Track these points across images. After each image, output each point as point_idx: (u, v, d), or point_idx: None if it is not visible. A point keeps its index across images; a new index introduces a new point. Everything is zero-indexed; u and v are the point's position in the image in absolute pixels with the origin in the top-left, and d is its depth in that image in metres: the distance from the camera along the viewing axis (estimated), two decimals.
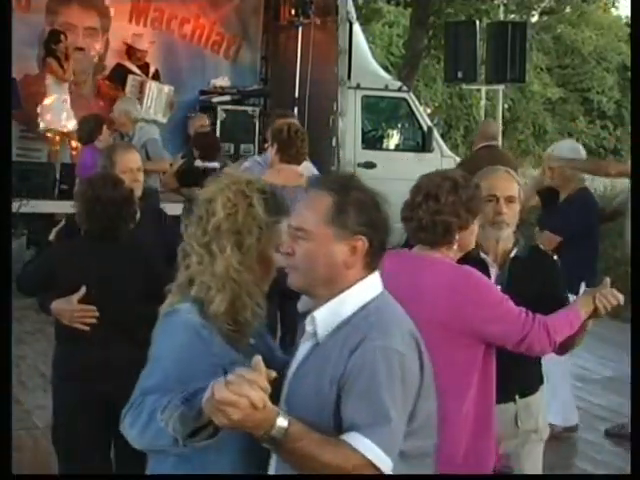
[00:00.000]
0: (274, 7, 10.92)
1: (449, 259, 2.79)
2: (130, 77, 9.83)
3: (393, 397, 1.86)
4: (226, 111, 9.90)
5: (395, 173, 9.05)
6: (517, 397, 3.19)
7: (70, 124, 9.24)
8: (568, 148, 5.93)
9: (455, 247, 2.80)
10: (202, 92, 10.34)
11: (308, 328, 1.99)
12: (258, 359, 1.76)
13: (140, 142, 7.41)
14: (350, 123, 9.56)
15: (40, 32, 9.78)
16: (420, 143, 10.71)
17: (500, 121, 12.42)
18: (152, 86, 9.81)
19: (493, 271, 3.20)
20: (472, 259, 2.98)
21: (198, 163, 7.12)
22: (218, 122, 9.78)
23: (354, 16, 10.06)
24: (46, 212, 8.41)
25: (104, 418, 3.41)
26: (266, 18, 10.96)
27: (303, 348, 2.01)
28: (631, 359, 4.60)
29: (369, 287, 2.00)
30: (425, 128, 10.63)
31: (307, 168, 5.41)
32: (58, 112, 9.17)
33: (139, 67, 10.03)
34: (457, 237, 2.78)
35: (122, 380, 3.18)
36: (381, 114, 11.56)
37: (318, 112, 9.59)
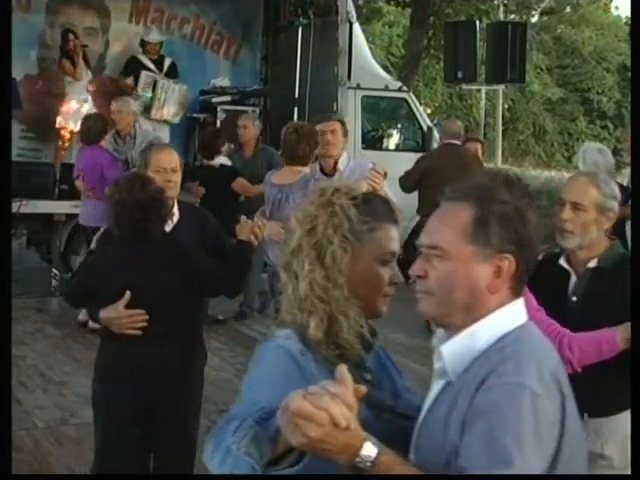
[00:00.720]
0: (274, 7, 10.92)
1: None
2: (143, 74, 9.74)
3: (520, 442, 1.53)
4: (226, 111, 9.89)
5: (395, 173, 9.04)
6: (585, 415, 2.74)
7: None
8: (597, 149, 6.06)
9: None
10: (202, 92, 10.34)
11: (437, 365, 1.73)
12: (343, 369, 1.51)
13: (144, 142, 7.32)
14: (350, 123, 9.53)
15: (40, 32, 9.79)
16: (420, 143, 10.70)
17: (500, 121, 12.43)
18: (165, 85, 9.76)
19: (572, 280, 3.04)
20: (552, 266, 2.90)
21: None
22: (218, 122, 9.77)
23: (354, 16, 10.05)
24: (46, 212, 8.41)
25: (142, 424, 3.46)
26: (266, 18, 10.96)
27: (435, 387, 1.75)
28: (631, 359, 4.60)
29: (512, 316, 1.70)
30: (425, 128, 10.63)
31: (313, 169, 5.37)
32: (77, 112, 9.12)
33: (153, 61, 9.93)
34: None
35: (167, 382, 3.40)
36: (381, 114, 11.56)
37: (318, 112, 9.56)
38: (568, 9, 27.07)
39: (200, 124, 10.21)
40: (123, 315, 3.37)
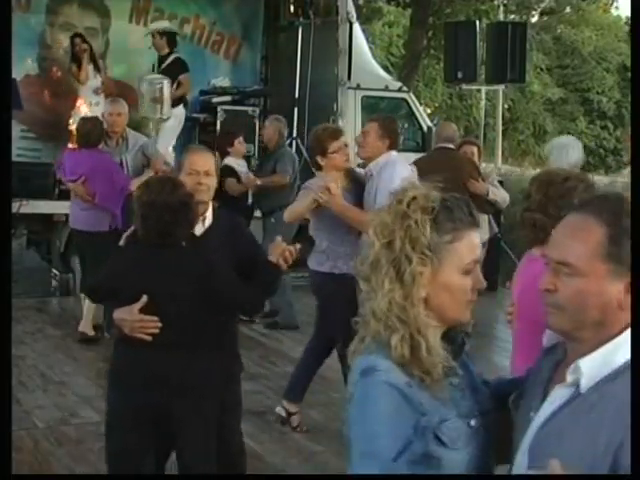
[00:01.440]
0: (274, 7, 10.93)
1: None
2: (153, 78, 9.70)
3: None
4: (226, 111, 9.89)
5: None
6: None
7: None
8: (561, 145, 6.01)
9: None
10: (202, 92, 10.35)
11: (569, 377, 1.68)
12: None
13: (137, 145, 7.22)
14: (350, 123, 9.55)
15: (40, 32, 9.80)
16: (420, 143, 10.70)
17: (500, 121, 12.43)
18: (164, 84, 9.67)
19: None
20: None
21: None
22: (218, 122, 9.77)
23: (354, 16, 10.05)
24: (46, 212, 8.41)
25: (155, 431, 3.38)
26: (266, 18, 10.97)
27: (558, 395, 1.70)
28: (631, 359, 4.60)
29: None
30: (425, 128, 10.63)
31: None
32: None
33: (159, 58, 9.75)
34: None
35: (179, 391, 3.31)
36: (381, 114, 11.55)
37: (318, 112, 9.59)
38: (568, 9, 27.05)
39: (200, 124, 10.21)
40: (135, 319, 3.31)
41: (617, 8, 29.03)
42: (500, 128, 12.45)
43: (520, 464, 1.70)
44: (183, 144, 10.05)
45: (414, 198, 1.80)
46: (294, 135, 9.56)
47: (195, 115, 10.20)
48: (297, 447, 4.99)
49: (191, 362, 3.34)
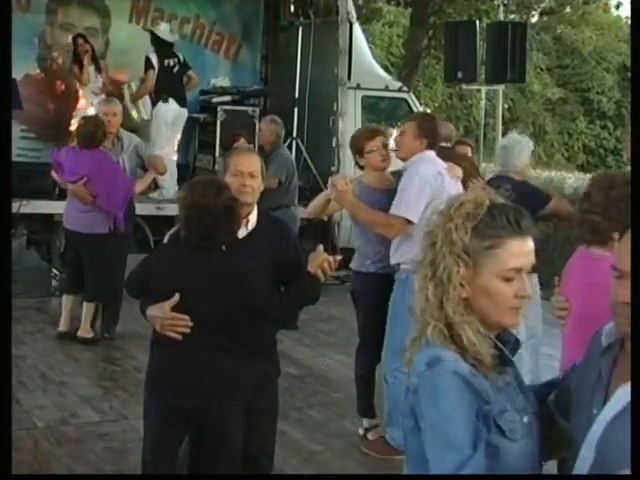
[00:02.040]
0: (274, 7, 10.93)
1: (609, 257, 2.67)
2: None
3: None
4: (226, 111, 9.88)
5: None
6: None
7: None
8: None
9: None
10: (202, 92, 10.35)
11: None
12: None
13: (131, 146, 7.11)
14: (350, 123, 9.54)
15: (40, 32, 9.80)
16: None
17: (500, 121, 12.42)
18: (130, 85, 9.67)
19: None
20: None
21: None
22: (218, 122, 9.76)
23: (354, 16, 10.05)
24: (46, 212, 8.41)
25: (185, 430, 3.39)
26: (266, 18, 10.97)
27: (625, 392, 1.77)
28: (631, 359, 4.59)
29: None
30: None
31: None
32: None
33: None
34: (616, 237, 2.67)
35: (207, 393, 3.30)
36: (381, 114, 11.55)
37: (318, 112, 9.59)
38: (568, 9, 27.04)
39: (200, 124, 10.21)
40: (167, 316, 3.30)
41: (617, 8, 28.90)
42: (500, 128, 12.43)
43: (585, 457, 1.78)
44: (183, 144, 10.11)
45: (462, 203, 1.87)
46: (294, 135, 9.56)
47: (195, 115, 10.20)
48: (297, 447, 4.99)
49: (221, 364, 3.32)
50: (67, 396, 5.70)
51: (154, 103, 9.40)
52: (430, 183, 4.75)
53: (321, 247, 3.55)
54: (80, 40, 9.45)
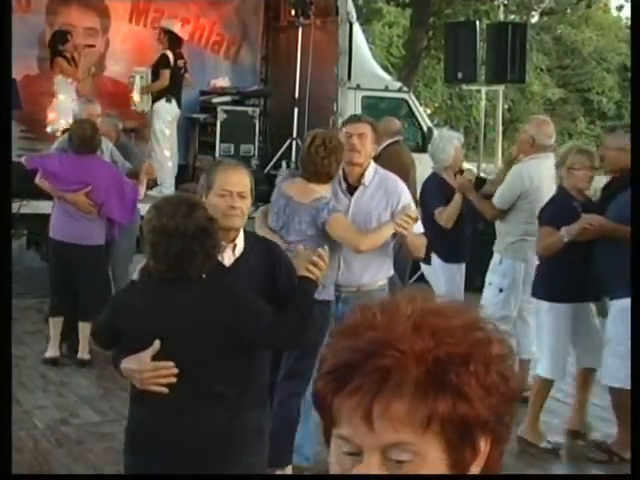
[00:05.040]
0: (274, 7, 10.92)
1: None
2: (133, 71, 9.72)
3: None
4: (226, 111, 9.89)
5: None
6: None
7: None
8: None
9: None
10: (202, 92, 10.35)
11: None
12: None
13: (108, 150, 6.88)
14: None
15: (40, 32, 9.79)
16: (420, 143, 10.70)
17: (500, 121, 12.42)
18: (136, 77, 9.62)
19: None
20: None
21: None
22: (218, 122, 9.77)
23: (354, 16, 10.05)
24: (46, 213, 8.39)
25: None
26: (266, 18, 10.96)
27: None
28: (631, 359, 4.59)
29: None
30: (425, 128, 10.63)
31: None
32: (68, 113, 9.05)
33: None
34: None
35: (200, 455, 2.80)
36: (381, 115, 11.54)
37: (318, 112, 9.58)
38: (568, 10, 27.05)
39: (200, 124, 10.21)
40: (147, 368, 2.80)
41: (620, 10, 28.86)
42: (500, 128, 12.43)
43: None
44: (183, 144, 10.11)
45: None
46: (294, 135, 9.56)
47: (195, 115, 10.21)
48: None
49: (211, 420, 2.85)
50: (67, 396, 5.70)
51: (154, 100, 9.47)
52: None
53: (300, 247, 3.33)
54: (69, 36, 9.42)
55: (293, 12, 10.01)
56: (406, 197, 4.48)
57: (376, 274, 4.51)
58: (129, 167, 6.89)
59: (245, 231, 3.26)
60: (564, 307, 5.05)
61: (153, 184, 9.55)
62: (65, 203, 6.31)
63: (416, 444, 1.00)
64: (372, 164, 4.52)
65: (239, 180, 3.18)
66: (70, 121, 8.93)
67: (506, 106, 25.51)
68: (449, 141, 6.09)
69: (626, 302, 4.64)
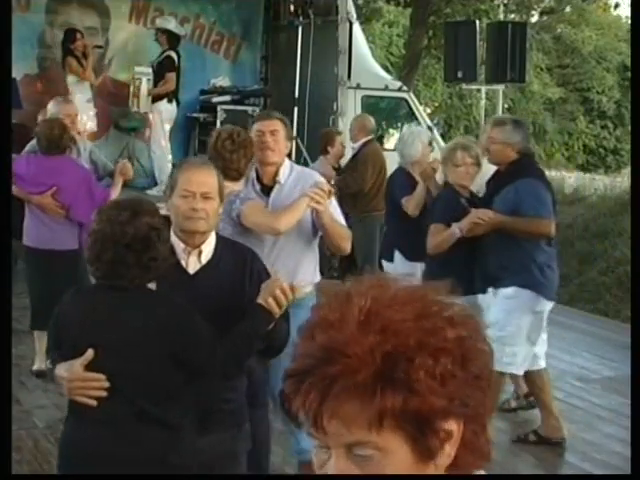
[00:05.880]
0: (274, 7, 10.93)
1: None
2: (136, 72, 9.72)
3: None
4: (226, 111, 9.90)
5: None
6: None
7: (92, 124, 9.24)
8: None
9: None
10: (202, 92, 10.35)
11: None
12: None
13: (87, 151, 6.64)
14: (350, 123, 9.54)
15: (40, 32, 9.80)
16: None
17: None
18: (143, 79, 9.66)
19: None
20: None
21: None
22: (218, 122, 9.78)
23: (354, 16, 10.06)
24: None
25: None
26: (266, 18, 10.97)
27: None
28: (631, 359, 4.61)
29: None
30: (425, 128, 10.63)
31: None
32: (87, 113, 9.01)
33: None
34: None
35: (134, 473, 2.57)
36: (381, 114, 11.55)
37: (318, 112, 9.59)
38: (568, 9, 27.04)
39: (200, 124, 10.22)
40: (75, 377, 2.61)
41: (616, 8, 28.91)
42: None
43: None
44: (183, 144, 10.12)
45: None
46: (294, 135, 9.56)
47: (195, 115, 10.22)
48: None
49: (147, 440, 2.62)
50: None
51: (154, 100, 9.48)
52: None
53: (278, 273, 2.98)
54: (78, 34, 9.44)
55: (293, 12, 10.03)
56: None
57: (302, 280, 3.94)
58: (111, 168, 6.58)
59: (217, 235, 3.04)
60: None
61: (154, 183, 9.59)
62: (35, 208, 6.02)
63: (374, 441, 1.03)
64: (287, 161, 4.15)
65: (203, 180, 2.93)
66: (89, 121, 8.95)
67: (506, 105, 25.48)
68: (417, 137, 6.16)
69: (509, 290, 4.84)
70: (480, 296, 5.03)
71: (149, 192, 9.08)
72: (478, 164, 5.19)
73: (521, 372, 5.05)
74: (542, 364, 5.18)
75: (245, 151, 3.98)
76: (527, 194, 4.83)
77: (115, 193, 6.22)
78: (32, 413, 5.35)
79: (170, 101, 9.50)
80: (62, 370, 2.67)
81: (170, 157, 9.71)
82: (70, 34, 9.49)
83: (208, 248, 2.97)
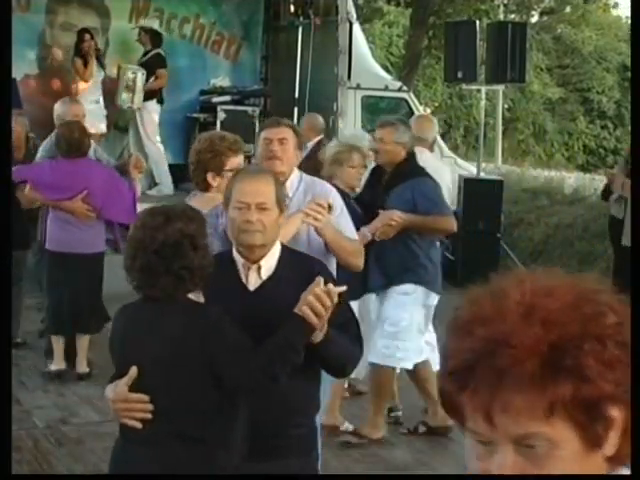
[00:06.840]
0: (274, 7, 10.93)
1: None
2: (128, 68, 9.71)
3: None
4: (226, 111, 9.89)
5: None
6: None
7: (102, 125, 9.24)
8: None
9: None
10: (202, 92, 10.35)
11: None
12: None
13: (92, 151, 6.46)
14: (350, 123, 9.55)
15: (40, 32, 9.80)
16: None
17: (500, 121, 12.42)
18: (138, 75, 9.67)
19: None
20: None
21: None
22: (218, 122, 9.77)
23: (354, 16, 10.06)
24: None
25: None
26: (266, 18, 10.97)
27: None
28: (631, 359, 4.61)
29: None
30: None
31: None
32: (94, 114, 8.99)
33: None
34: None
35: None
36: (381, 114, 11.55)
37: (318, 112, 9.57)
38: (568, 9, 27.04)
39: (200, 124, 10.21)
40: (121, 398, 2.52)
41: (615, 7, 28.88)
42: (500, 128, 12.45)
43: None
44: (183, 144, 10.10)
45: None
46: None
47: (195, 115, 10.22)
48: None
49: (190, 463, 2.49)
50: (67, 396, 5.70)
51: (145, 98, 9.51)
52: None
53: (320, 278, 2.61)
54: (87, 35, 9.45)
55: (293, 12, 10.04)
56: (337, 201, 3.72)
57: None
58: (114, 164, 6.58)
59: (283, 247, 2.85)
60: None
61: (153, 183, 9.58)
62: (60, 212, 5.93)
63: (545, 431, 1.03)
64: (296, 171, 3.71)
65: (258, 189, 2.75)
66: (99, 122, 8.93)
67: (506, 105, 25.51)
68: (359, 141, 6.10)
69: (404, 287, 4.97)
70: (373, 295, 5.13)
71: (149, 192, 9.05)
72: (365, 165, 5.20)
73: (411, 366, 5.13)
74: (426, 355, 5.20)
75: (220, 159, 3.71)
76: (425, 193, 4.96)
77: (139, 188, 6.39)
78: (32, 413, 5.35)
79: (160, 102, 9.52)
80: (109, 391, 2.58)
81: (164, 156, 9.69)
82: (80, 34, 9.49)
83: (269, 263, 2.79)
